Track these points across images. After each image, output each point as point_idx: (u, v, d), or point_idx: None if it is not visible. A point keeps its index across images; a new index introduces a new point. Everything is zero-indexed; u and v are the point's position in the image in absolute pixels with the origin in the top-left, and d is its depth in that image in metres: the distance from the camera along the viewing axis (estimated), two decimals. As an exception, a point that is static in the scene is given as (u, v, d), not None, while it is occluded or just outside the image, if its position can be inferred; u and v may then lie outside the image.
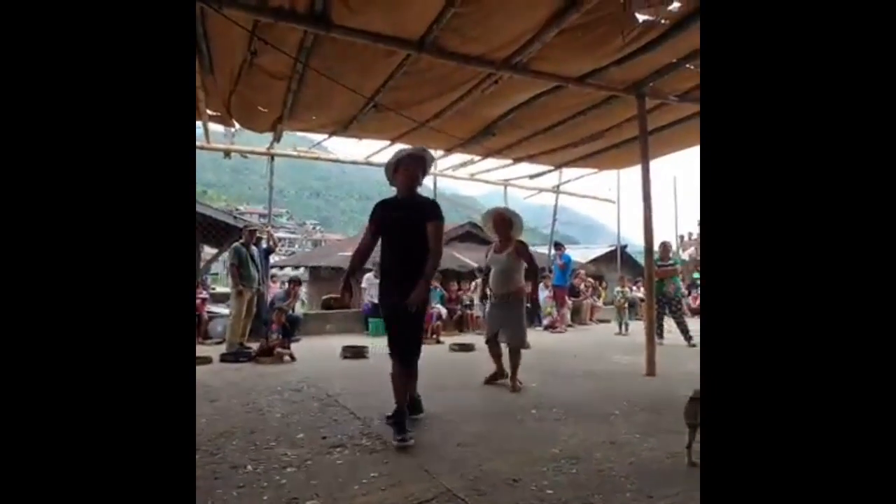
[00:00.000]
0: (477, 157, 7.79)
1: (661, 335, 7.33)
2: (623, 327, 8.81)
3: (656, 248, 6.22)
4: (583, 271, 11.73)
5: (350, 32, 3.79)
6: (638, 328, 7.90)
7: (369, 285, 8.87)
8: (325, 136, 6.54)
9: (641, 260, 7.10)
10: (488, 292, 4.61)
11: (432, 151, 7.86)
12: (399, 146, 6.88)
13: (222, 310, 7.92)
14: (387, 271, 3.10)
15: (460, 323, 9.11)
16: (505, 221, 4.41)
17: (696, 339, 7.00)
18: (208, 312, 7.83)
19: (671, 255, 7.94)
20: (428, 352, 6.74)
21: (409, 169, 3.10)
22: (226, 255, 8.37)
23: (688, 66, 4.49)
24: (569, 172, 9.05)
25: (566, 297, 9.85)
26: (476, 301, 8.88)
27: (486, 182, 9.67)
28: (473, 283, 9.43)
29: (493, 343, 4.43)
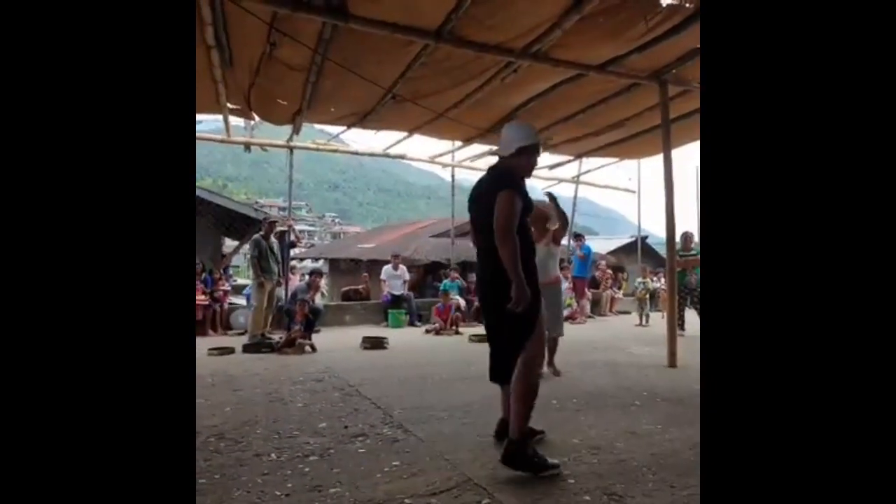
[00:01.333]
0: (495, 148, 7.73)
1: (682, 326, 7.23)
2: (644, 318, 8.71)
3: (678, 238, 6.11)
4: (603, 262, 11.61)
5: (368, 23, 3.78)
6: (658, 319, 7.81)
7: (388, 277, 8.93)
8: (344, 128, 6.55)
9: (662, 251, 7.00)
10: None
11: (448, 143, 7.93)
12: (417, 137, 6.88)
13: (243, 301, 8.05)
14: (530, 261, 2.39)
15: (478, 314, 9.11)
16: (541, 217, 4.39)
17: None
18: (230, 304, 7.97)
19: (693, 245, 7.81)
20: (447, 342, 6.81)
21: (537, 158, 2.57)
22: (246, 247, 8.50)
23: (712, 51, 4.38)
24: (588, 162, 8.94)
25: (586, 289, 9.77)
26: None
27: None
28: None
29: None
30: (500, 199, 2.23)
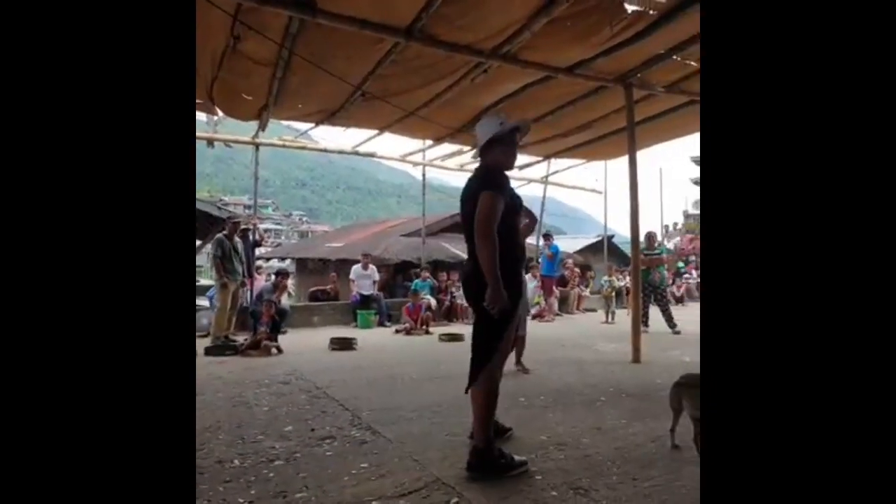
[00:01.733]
0: (466, 148, 7.76)
1: (646, 323, 7.42)
2: (610, 316, 8.89)
3: (642, 238, 6.27)
4: (570, 261, 11.79)
5: (336, 18, 3.73)
6: (624, 316, 7.98)
7: (357, 277, 8.84)
8: (312, 125, 6.45)
9: (628, 250, 7.16)
10: None
11: (419, 142, 7.92)
12: (387, 135, 6.83)
13: (206, 302, 7.84)
14: (515, 263, 2.36)
15: (449, 313, 9.13)
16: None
17: (680, 327, 7.11)
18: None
19: (657, 244, 8.01)
20: (418, 342, 6.79)
21: (516, 145, 2.47)
22: (209, 247, 8.29)
23: (675, 56, 4.50)
24: (556, 163, 9.06)
25: (554, 287, 9.91)
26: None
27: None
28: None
29: None
30: (480, 199, 2.19)
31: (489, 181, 2.27)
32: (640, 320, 7.39)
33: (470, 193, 2.32)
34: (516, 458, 2.23)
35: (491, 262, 2.14)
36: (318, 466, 2.32)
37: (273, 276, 8.27)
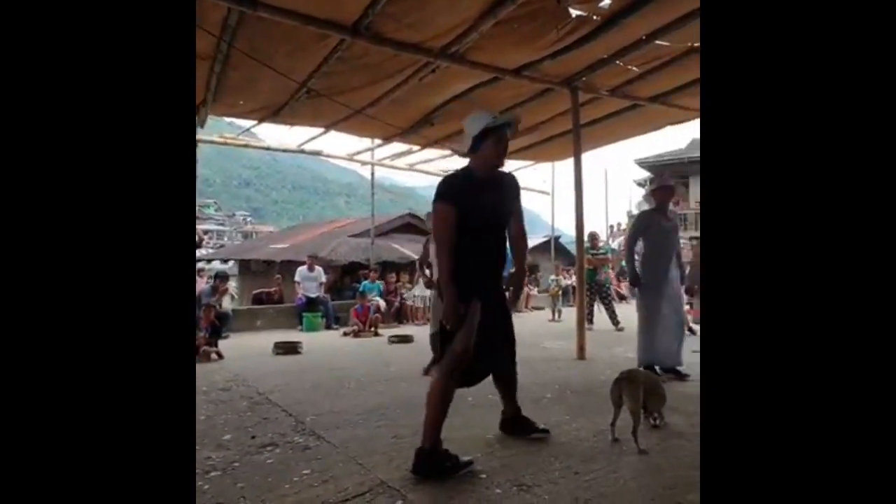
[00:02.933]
0: (416, 147, 7.72)
1: (591, 321, 7.65)
2: (556, 314, 9.10)
3: (586, 237, 6.45)
4: (518, 261, 11.99)
5: (278, 12, 3.61)
6: (570, 314, 8.18)
7: (303, 279, 8.63)
8: (255, 122, 6.23)
9: (574, 249, 7.35)
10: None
11: (367, 141, 7.81)
12: (334, 133, 6.69)
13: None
14: (471, 269, 2.23)
15: (399, 315, 9.06)
16: None
17: (623, 324, 7.37)
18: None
19: (601, 244, 8.27)
20: (366, 344, 6.69)
21: (507, 140, 2.38)
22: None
23: (618, 62, 4.65)
24: (506, 165, 9.16)
25: (503, 287, 10.05)
26: (417, 293, 8.83)
27: (426, 173, 9.62)
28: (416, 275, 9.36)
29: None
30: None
31: (439, 191, 2.24)
32: (586, 318, 7.64)
33: (515, 191, 2.47)
34: (462, 458, 2.21)
35: (442, 275, 2.19)
36: (258, 475, 2.22)
37: (213, 279, 7.94)
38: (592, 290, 7.80)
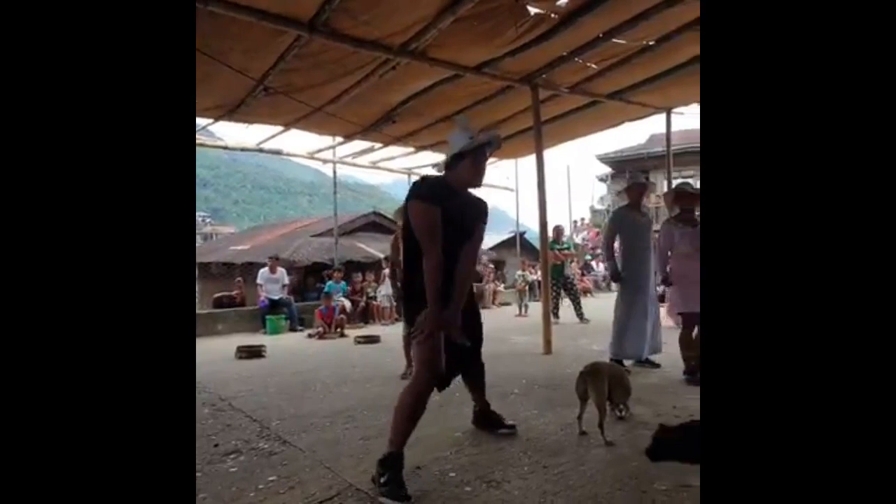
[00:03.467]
0: (378, 145, 7.66)
1: (556, 314, 7.78)
2: (523, 309, 9.21)
3: (551, 231, 6.54)
4: (485, 257, 12.07)
5: (231, 7, 3.51)
6: (537, 309, 8.30)
7: (265, 281, 8.45)
8: (210, 120, 6.05)
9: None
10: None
11: (328, 139, 7.69)
12: (294, 132, 6.57)
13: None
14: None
15: (365, 315, 8.98)
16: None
17: (588, 316, 7.53)
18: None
19: (564, 238, 8.41)
20: (332, 346, 6.60)
21: (485, 161, 2.31)
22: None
23: (577, 59, 4.73)
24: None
25: (469, 284, 10.10)
26: (384, 291, 8.75)
27: (390, 170, 9.56)
28: (383, 274, 9.28)
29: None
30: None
31: (421, 191, 2.17)
32: (552, 312, 7.75)
33: (482, 210, 2.37)
34: (402, 492, 1.93)
35: (427, 281, 2.08)
36: (222, 484, 2.16)
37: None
38: (558, 284, 7.93)
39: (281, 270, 8.70)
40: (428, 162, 9.19)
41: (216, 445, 2.67)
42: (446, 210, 2.12)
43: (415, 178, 9.65)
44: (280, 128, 6.57)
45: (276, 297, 8.34)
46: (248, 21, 3.65)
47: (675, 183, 6.72)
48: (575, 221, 21.12)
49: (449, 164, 2.27)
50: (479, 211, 2.32)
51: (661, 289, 7.73)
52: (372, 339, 6.60)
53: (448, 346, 2.17)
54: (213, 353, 6.06)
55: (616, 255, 4.35)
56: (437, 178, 2.38)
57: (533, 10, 3.90)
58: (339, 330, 7.53)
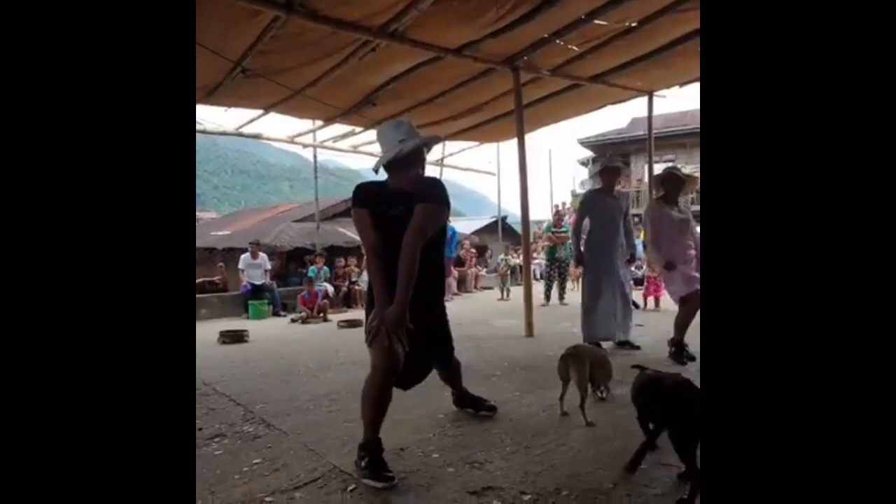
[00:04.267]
0: (359, 129, 7.57)
1: (549, 297, 7.86)
2: (505, 293, 9.27)
3: (538, 217, 6.58)
4: (467, 242, 12.10)
5: (206, -15, 3.42)
6: (519, 293, 8.37)
7: (247, 266, 8.37)
8: (187, 103, 5.91)
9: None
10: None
11: (308, 123, 7.58)
12: (274, 115, 6.46)
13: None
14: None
15: (347, 299, 8.96)
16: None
17: (567, 300, 7.63)
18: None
19: (564, 221, 8.44)
20: (315, 330, 6.59)
21: (419, 165, 2.23)
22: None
23: (558, 41, 4.71)
24: (452, 146, 9.17)
25: (452, 268, 10.13)
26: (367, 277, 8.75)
27: (371, 154, 9.46)
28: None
29: None
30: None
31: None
32: (544, 295, 7.80)
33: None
34: (385, 473, 1.94)
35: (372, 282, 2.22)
36: (206, 467, 2.17)
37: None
38: (552, 268, 7.98)
39: (263, 256, 8.63)
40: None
41: (200, 429, 2.66)
42: (382, 211, 2.14)
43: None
44: (259, 111, 6.46)
45: (259, 283, 8.28)
46: (223, 1, 3.56)
47: (656, 167, 6.81)
48: (556, 206, 21.21)
49: (386, 168, 2.21)
50: (422, 196, 2.14)
51: (641, 272, 7.86)
52: (355, 324, 6.59)
53: (409, 354, 2.13)
54: (197, 338, 6.01)
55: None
56: (372, 182, 2.34)
57: (514, -9, 3.87)
58: (322, 315, 7.52)
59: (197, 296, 8.59)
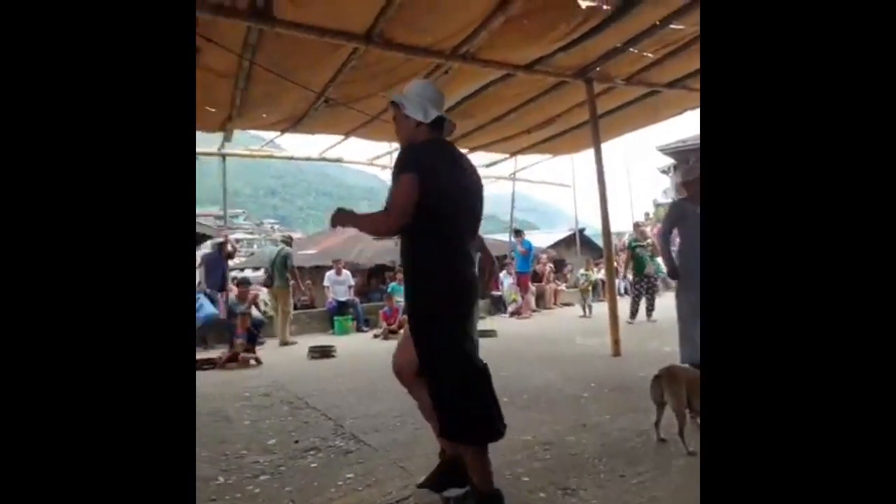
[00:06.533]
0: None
1: (634, 315, 7.52)
2: (587, 309, 9.01)
3: (618, 229, 6.39)
4: (544, 256, 11.93)
5: (294, 27, 3.70)
6: (602, 309, 8.10)
7: (332, 283, 8.77)
8: (277, 133, 6.38)
9: (600, 242, 7.27)
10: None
11: (386, 145, 7.87)
12: (353, 140, 6.79)
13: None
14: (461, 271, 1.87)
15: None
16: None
17: (656, 316, 7.26)
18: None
19: (647, 234, 8.14)
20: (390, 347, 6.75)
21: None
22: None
23: (632, 49, 4.59)
24: (524, 159, 9.14)
25: (529, 283, 10.02)
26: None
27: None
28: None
29: None
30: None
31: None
32: (630, 312, 7.49)
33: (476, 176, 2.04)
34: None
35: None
36: (304, 479, 2.30)
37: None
38: (641, 283, 7.68)
39: (346, 272, 9.02)
40: (480, 163, 9.21)
41: (296, 441, 2.83)
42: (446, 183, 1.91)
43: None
44: (340, 137, 6.82)
45: (343, 299, 8.65)
46: (310, 38, 3.83)
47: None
48: (636, 222, 20.44)
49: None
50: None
51: None
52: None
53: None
54: (288, 353, 6.39)
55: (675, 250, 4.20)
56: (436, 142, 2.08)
57: (585, 3, 3.83)
58: (402, 330, 7.70)
59: (292, 312, 9.10)
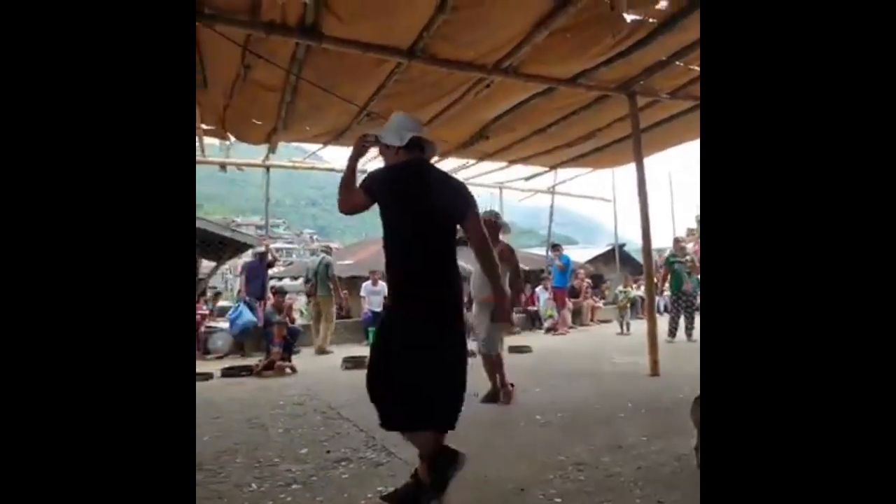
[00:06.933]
0: (471, 161, 7.79)
1: (673, 334, 7.28)
2: (625, 327, 8.78)
3: (659, 245, 6.21)
4: (582, 271, 11.72)
5: (341, 43, 3.80)
6: (640, 328, 7.87)
7: (368, 293, 8.85)
8: (320, 145, 6.53)
9: (640, 258, 7.08)
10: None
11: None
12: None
13: (224, 325, 7.86)
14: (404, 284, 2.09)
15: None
16: (490, 225, 4.24)
17: (695, 335, 6.99)
18: (207, 327, 7.76)
19: (687, 250, 7.87)
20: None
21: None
22: (224, 268, 8.40)
23: (677, 63, 4.50)
24: (564, 173, 9.05)
25: (566, 299, 9.84)
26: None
27: (482, 185, 9.65)
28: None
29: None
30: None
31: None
32: (669, 331, 7.24)
33: (447, 185, 2.29)
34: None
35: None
36: (335, 490, 2.30)
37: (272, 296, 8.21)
38: (679, 301, 7.44)
39: (382, 283, 9.08)
40: (519, 175, 9.17)
41: (328, 452, 2.84)
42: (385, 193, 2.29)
43: (507, 192, 9.70)
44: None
45: (378, 310, 8.70)
46: (355, 54, 3.93)
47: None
48: (676, 238, 19.90)
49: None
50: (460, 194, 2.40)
51: None
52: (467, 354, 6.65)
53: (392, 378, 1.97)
54: (322, 362, 6.47)
55: None
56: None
57: (630, 17, 3.78)
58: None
59: (335, 321, 9.19)
